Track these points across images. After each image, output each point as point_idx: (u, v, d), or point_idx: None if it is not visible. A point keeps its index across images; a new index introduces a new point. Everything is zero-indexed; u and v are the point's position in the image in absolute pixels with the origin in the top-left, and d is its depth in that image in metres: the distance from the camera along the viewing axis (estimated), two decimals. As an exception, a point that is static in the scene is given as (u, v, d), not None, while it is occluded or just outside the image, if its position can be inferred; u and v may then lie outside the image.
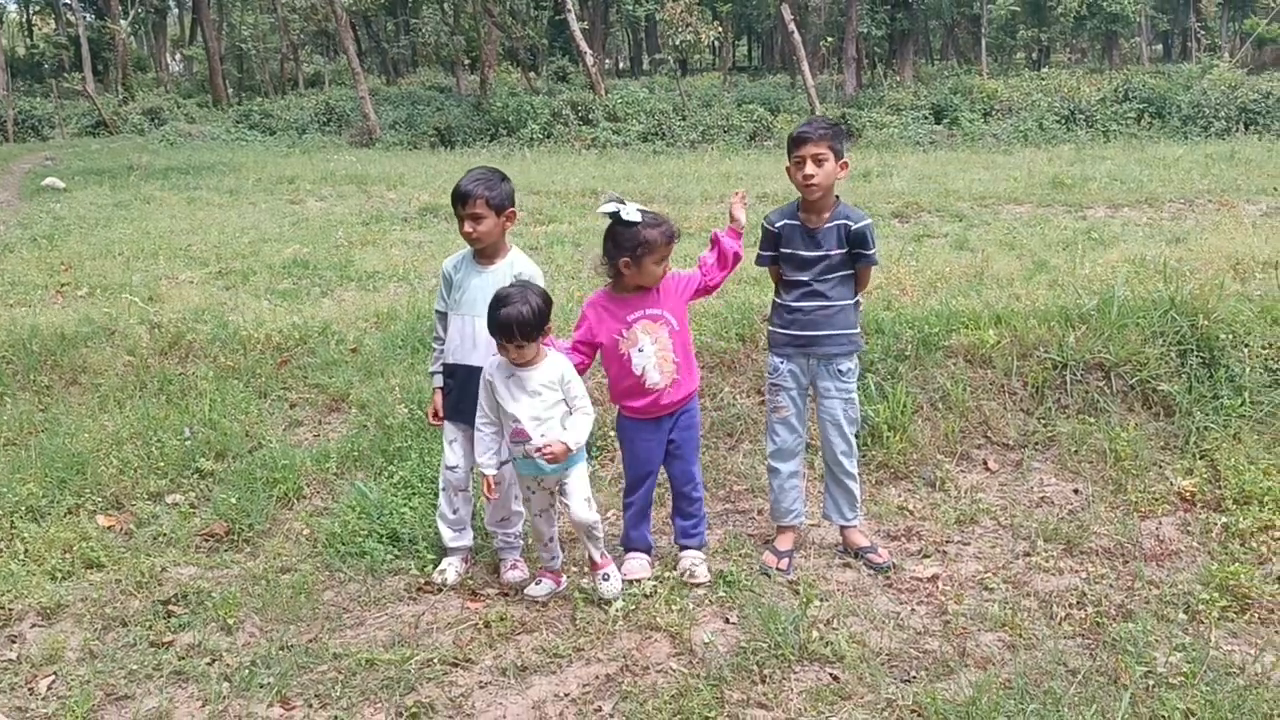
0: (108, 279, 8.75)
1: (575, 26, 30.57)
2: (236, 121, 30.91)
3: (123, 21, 38.09)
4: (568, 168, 18.49)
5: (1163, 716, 3.16)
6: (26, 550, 4.45)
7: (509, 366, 3.87)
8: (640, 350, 4.09)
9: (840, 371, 4.29)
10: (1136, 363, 5.49)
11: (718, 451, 5.32)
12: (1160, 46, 57.31)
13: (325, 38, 47.46)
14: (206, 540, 4.62)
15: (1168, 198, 12.01)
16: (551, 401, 3.87)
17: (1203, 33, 45.24)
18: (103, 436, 5.29)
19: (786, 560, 4.31)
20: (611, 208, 4.00)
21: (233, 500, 4.76)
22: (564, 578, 4.16)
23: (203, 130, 29.75)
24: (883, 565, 4.28)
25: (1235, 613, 3.84)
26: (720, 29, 32.24)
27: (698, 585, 4.12)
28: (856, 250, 4.22)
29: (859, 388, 4.52)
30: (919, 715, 3.19)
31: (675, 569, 4.23)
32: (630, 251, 3.99)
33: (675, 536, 4.40)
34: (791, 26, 27.28)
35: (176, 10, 55.96)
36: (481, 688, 3.52)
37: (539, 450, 3.82)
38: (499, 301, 3.76)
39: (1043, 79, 30.96)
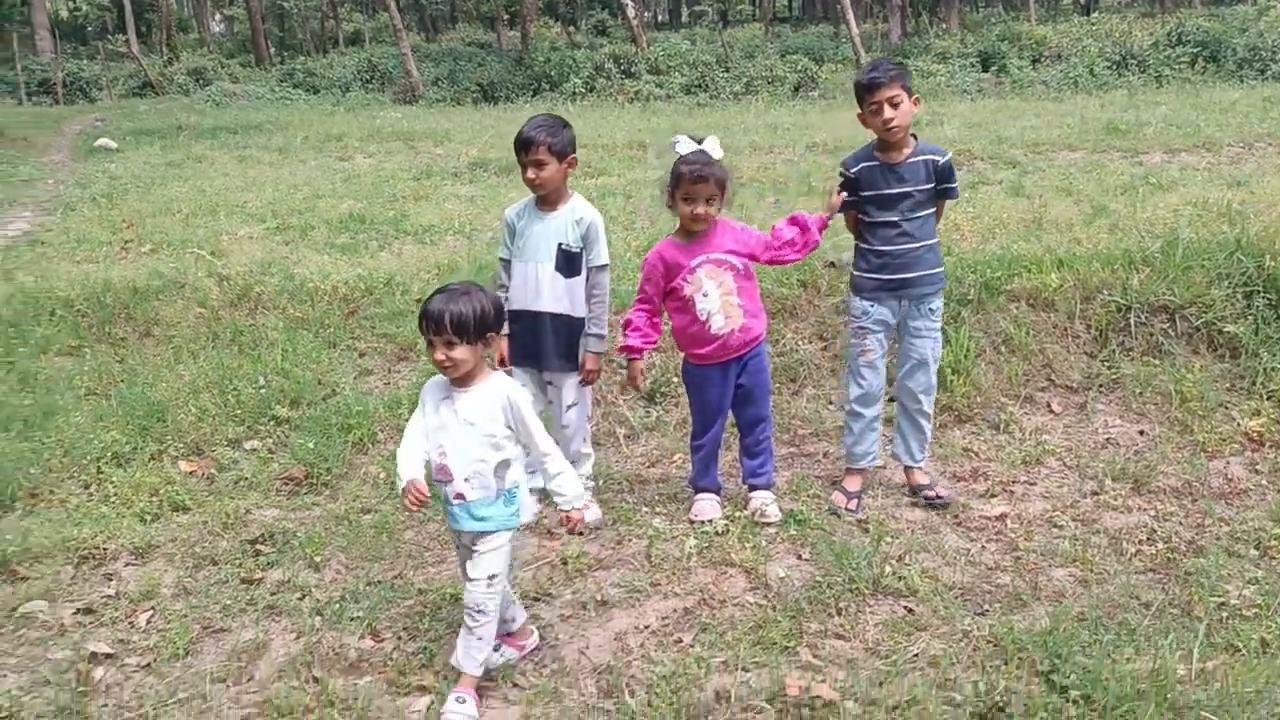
0: (169, 235, 8.88)
1: (616, -21, 30.31)
2: (280, 80, 31.00)
3: (165, -18, 38.23)
4: (613, 121, 18.43)
5: (1237, 646, 3.20)
6: (115, 494, 4.61)
7: (446, 386, 3.18)
8: (705, 295, 4.12)
9: (931, 310, 4.32)
10: (1202, 304, 5.46)
11: (781, 396, 5.37)
12: (1214, -12, 55.77)
13: (365, -5, 47.41)
14: (286, 484, 4.75)
15: (1226, 142, 11.78)
16: (490, 437, 3.12)
17: (1259, -27, 43.94)
18: (180, 386, 5.43)
19: (855, 500, 4.37)
20: (677, 139, 4.12)
21: (310, 445, 4.89)
22: (532, 635, 3.45)
23: (247, 90, 29.86)
24: (944, 500, 4.33)
25: (1307, 548, 3.86)
26: (762, -22, 31.81)
27: (769, 524, 4.19)
28: (944, 184, 4.24)
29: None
30: (995, 645, 3.26)
31: (746, 509, 4.30)
32: (670, 184, 4.10)
33: (743, 477, 4.46)
34: (835, -26, 26.84)
35: (217, -30, 56.03)
36: (563, 620, 3.62)
37: (458, 497, 3.14)
38: (437, 291, 3.19)
39: (1093, 24, 30.25)
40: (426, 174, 12.57)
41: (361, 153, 15.57)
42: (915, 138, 4.27)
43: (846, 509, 4.31)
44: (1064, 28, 30.00)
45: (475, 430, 3.11)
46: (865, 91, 4.14)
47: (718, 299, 4.12)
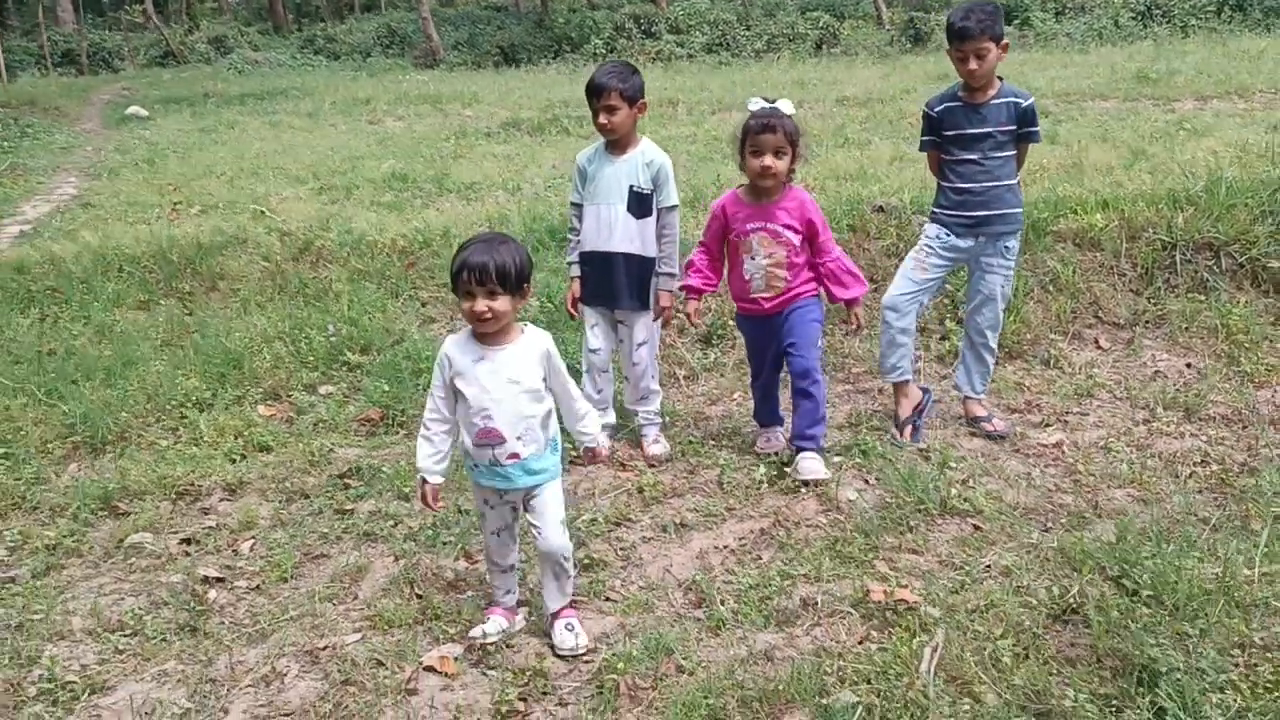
0: (216, 197, 9.08)
1: (634, -62, 30.17)
2: (301, 47, 31.13)
3: (181, -49, 38.24)
4: (638, 81, 18.46)
5: (1297, 554, 3.35)
6: (203, 437, 4.81)
7: (476, 346, 3.06)
8: (753, 258, 4.19)
9: (1006, 248, 4.45)
10: (1246, 241, 5.58)
11: (834, 337, 5.54)
12: (1237, -63, 54.98)
13: (379, -40, 47.26)
14: (364, 425, 4.95)
15: (1258, 88, 11.80)
16: (535, 391, 3.07)
17: (1283, -79, 43.32)
18: (253, 335, 5.63)
19: (910, 429, 4.52)
20: (751, 99, 4.18)
21: (385, 388, 5.07)
22: (519, 614, 3.39)
23: (268, 57, 29.97)
24: (1000, 433, 4.49)
25: (1358, 467, 4.01)
26: (781, -65, 31.54)
27: (813, 480, 4.08)
28: (1025, 128, 4.35)
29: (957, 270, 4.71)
30: (1065, 556, 3.42)
31: (793, 469, 4.21)
32: (739, 139, 4.13)
33: (792, 433, 4.33)
34: (856, -71, 26.67)
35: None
36: (645, 542, 3.81)
37: (511, 457, 3.08)
38: (471, 241, 3.04)
39: (1116, -26, 29.97)
40: (460, 135, 12.72)
41: (391, 116, 15.72)
42: (1001, 79, 4.36)
43: (905, 439, 4.48)
44: (1088, -21, 29.67)
45: (520, 387, 3.04)
46: (954, 38, 4.24)
47: (763, 266, 4.18)
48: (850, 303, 4.27)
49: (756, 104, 4.13)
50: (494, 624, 3.27)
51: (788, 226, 4.12)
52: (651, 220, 4.40)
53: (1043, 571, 3.35)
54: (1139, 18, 23.92)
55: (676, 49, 25.04)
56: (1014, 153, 4.40)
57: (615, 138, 4.38)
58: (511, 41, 27.38)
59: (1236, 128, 8.87)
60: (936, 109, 4.42)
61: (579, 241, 4.54)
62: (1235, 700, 2.56)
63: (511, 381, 3.04)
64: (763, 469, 4.24)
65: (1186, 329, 5.33)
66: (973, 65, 4.21)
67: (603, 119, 4.31)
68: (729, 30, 25.84)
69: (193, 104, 18.75)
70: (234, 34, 34.40)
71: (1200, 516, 3.68)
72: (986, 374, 4.63)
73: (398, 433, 4.88)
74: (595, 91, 4.29)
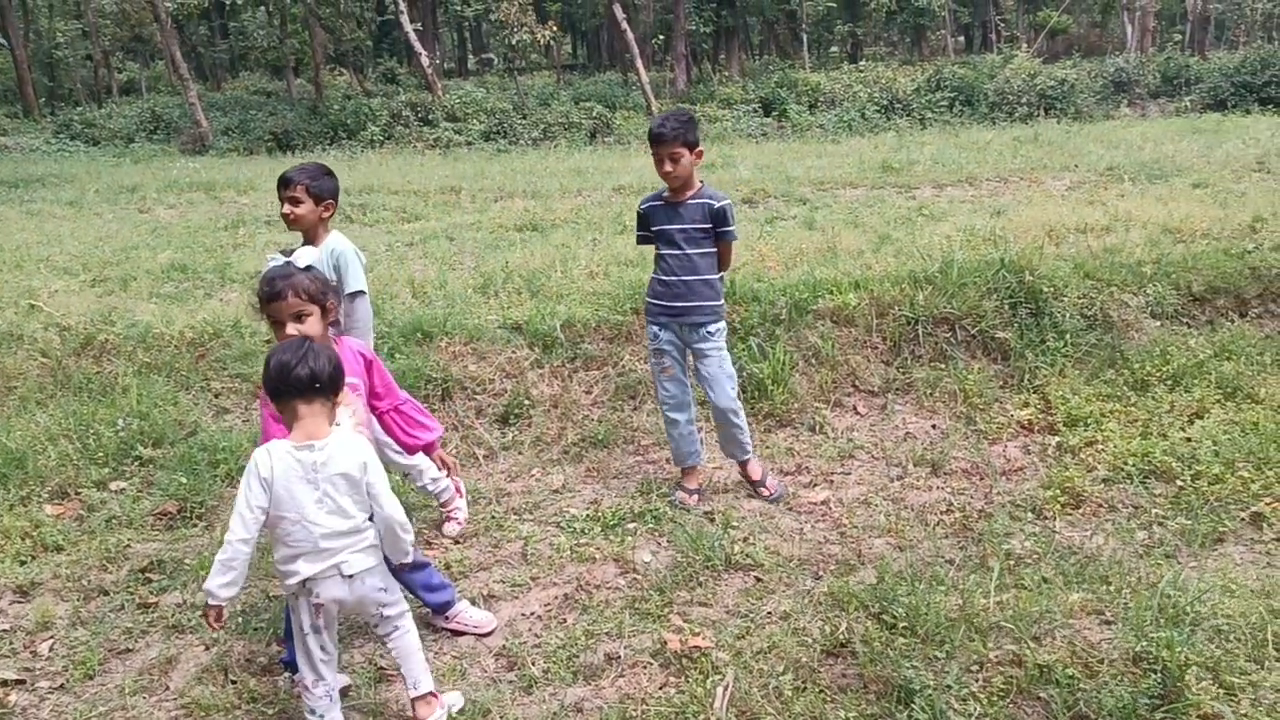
0: (-26, 292, 8.66)
1: (409, 27, 30.53)
2: (56, 132, 29.66)
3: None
4: (418, 168, 18.72)
5: (1023, 584, 3.90)
6: (-14, 539, 4.67)
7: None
8: (338, 424, 3.31)
9: (710, 334, 4.82)
10: (976, 315, 6.34)
11: (624, 412, 5.91)
12: (963, 38, 60.65)
13: (140, 43, 45.72)
14: (160, 519, 4.92)
15: (984, 177, 13.22)
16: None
17: (1002, 25, 48.34)
18: (36, 433, 5.48)
19: (696, 496, 4.93)
20: (270, 256, 3.60)
21: (182, 480, 5.07)
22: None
23: (19, 142, 28.42)
24: (773, 497, 4.95)
25: (1072, 508, 4.67)
26: (554, 29, 32.68)
27: None
28: (721, 228, 4.74)
29: (731, 347, 5.13)
30: (834, 599, 3.85)
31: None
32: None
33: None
34: (624, 25, 28.01)
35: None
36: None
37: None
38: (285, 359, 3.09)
39: (861, 71, 32.59)
40: (238, 223, 12.57)
41: (161, 204, 15.29)
42: (702, 183, 4.82)
43: (692, 504, 4.87)
44: (835, 75, 32.19)
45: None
46: (652, 142, 4.69)
47: (348, 429, 3.37)
48: (429, 447, 3.79)
49: (273, 259, 3.54)
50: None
51: (358, 376, 3.59)
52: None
53: (817, 614, 3.77)
54: (883, 111, 26.20)
55: (455, 136, 25.48)
56: (714, 250, 4.79)
57: (297, 230, 4.36)
58: (285, 128, 27.05)
59: (967, 213, 9.96)
60: (644, 206, 4.84)
61: None
62: (975, 708, 3.02)
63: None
64: (564, 538, 4.52)
65: (931, 394, 6.00)
66: (668, 167, 4.66)
67: (286, 209, 4.31)
68: (505, 119, 26.51)
69: (-65, 192, 17.65)
70: (-22, 117, 32.48)
71: (946, 558, 4.21)
72: (743, 442, 4.96)
73: (196, 525, 4.88)
74: (283, 183, 4.30)
